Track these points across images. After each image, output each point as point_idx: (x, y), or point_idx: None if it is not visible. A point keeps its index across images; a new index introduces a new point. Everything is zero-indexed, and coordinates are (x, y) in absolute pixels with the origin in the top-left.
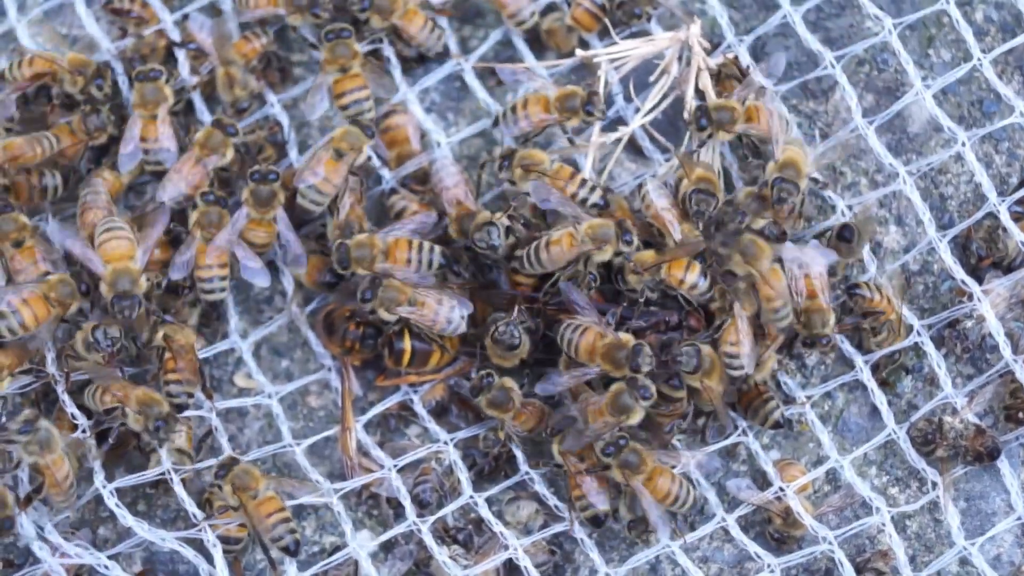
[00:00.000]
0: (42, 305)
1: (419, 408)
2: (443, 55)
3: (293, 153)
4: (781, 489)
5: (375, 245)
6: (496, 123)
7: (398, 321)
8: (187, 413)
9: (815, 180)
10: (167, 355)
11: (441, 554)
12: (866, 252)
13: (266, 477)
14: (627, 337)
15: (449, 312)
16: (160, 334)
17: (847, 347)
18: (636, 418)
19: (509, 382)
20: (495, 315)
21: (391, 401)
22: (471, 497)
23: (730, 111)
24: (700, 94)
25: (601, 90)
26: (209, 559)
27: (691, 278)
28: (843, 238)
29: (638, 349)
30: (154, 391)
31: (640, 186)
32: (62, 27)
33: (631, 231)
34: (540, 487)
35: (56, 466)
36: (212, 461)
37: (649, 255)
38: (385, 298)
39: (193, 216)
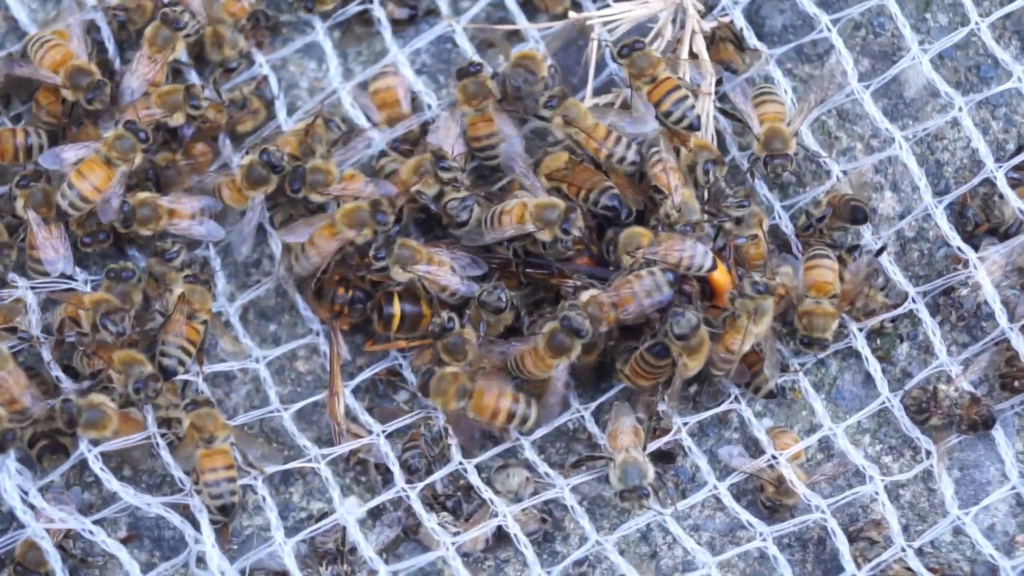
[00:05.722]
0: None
1: (408, 373)
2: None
3: (282, 114)
4: (774, 457)
5: None
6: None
7: (399, 284)
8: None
9: (805, 148)
10: (175, 316)
11: (430, 521)
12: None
13: (230, 429)
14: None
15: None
16: (176, 293)
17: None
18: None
19: None
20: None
21: (380, 366)
22: (460, 463)
23: (649, 60)
24: (694, 56)
25: (594, 53)
26: (195, 525)
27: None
28: (857, 221)
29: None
30: (137, 352)
31: (648, 145)
32: None
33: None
34: (530, 454)
35: (15, 377)
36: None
37: (645, 235)
38: (401, 256)
39: None
